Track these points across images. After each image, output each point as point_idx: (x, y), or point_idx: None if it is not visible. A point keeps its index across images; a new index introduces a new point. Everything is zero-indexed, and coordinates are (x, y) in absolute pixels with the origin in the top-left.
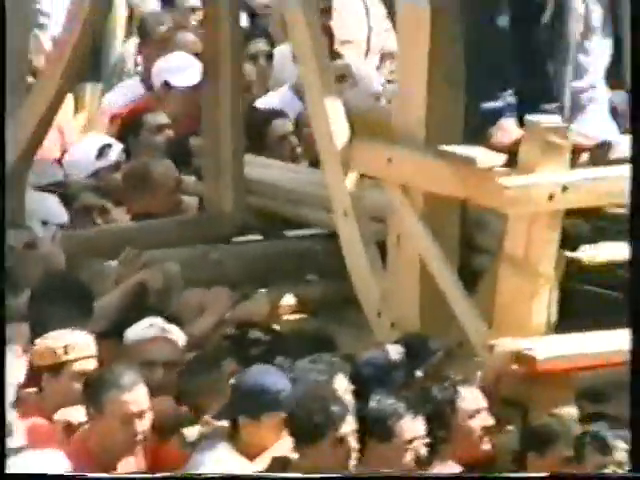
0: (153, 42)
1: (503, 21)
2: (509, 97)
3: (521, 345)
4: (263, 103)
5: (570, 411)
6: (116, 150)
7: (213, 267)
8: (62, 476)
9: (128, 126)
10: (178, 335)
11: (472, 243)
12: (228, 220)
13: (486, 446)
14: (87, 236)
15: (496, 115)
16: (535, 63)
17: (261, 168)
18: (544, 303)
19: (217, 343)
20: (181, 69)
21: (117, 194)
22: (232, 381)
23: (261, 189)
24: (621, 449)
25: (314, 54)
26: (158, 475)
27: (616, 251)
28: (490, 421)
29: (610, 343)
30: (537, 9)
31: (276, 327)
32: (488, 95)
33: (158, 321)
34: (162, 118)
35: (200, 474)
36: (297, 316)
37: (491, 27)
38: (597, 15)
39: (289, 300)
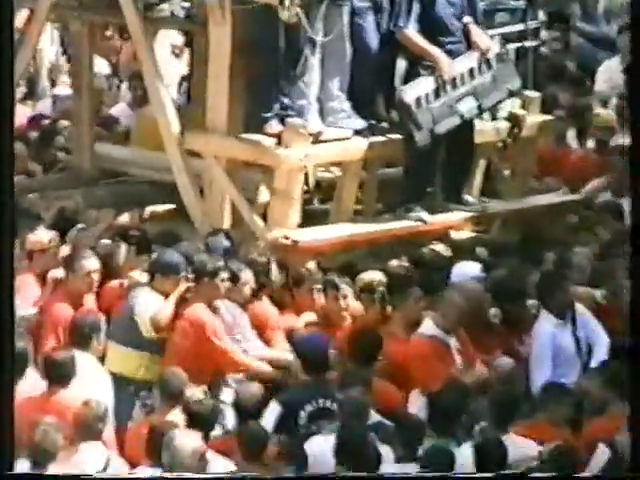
0: None
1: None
2: (277, 109)
3: (288, 234)
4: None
5: (312, 266)
6: None
7: (100, 199)
8: (62, 476)
9: None
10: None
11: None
12: (89, 173)
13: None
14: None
15: (269, 118)
16: (293, 90)
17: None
18: (296, 212)
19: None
20: None
21: None
22: (154, 256)
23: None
24: (344, 288)
25: (155, 71)
26: (158, 475)
27: None
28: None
29: (334, 232)
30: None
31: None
32: (266, 107)
33: None
34: None
35: (201, 475)
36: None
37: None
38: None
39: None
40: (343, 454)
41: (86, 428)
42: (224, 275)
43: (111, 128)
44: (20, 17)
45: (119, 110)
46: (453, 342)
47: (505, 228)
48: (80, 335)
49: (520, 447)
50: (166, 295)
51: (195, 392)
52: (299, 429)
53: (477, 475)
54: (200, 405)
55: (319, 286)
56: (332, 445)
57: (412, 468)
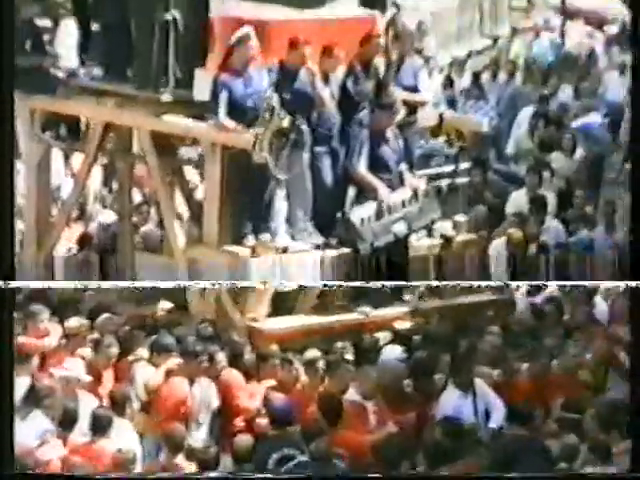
0: None
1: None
2: (251, 228)
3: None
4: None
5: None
6: None
7: (129, 295)
8: (62, 476)
9: None
10: None
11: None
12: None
13: None
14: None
15: (246, 234)
16: (266, 214)
17: None
18: (265, 306)
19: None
20: None
21: None
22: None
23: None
24: (296, 363)
25: (169, 202)
26: (158, 475)
27: None
28: None
29: (292, 322)
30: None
31: None
32: (244, 226)
33: None
34: None
35: (202, 475)
36: None
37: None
38: (283, 191)
39: None
40: None
41: (120, 469)
42: (203, 357)
43: (158, 242)
44: (75, 159)
45: (149, 229)
46: (370, 405)
47: (440, 320)
48: (117, 404)
49: None
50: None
51: (200, 441)
52: (269, 472)
53: (481, 475)
54: (204, 453)
55: (277, 362)
56: None
57: None
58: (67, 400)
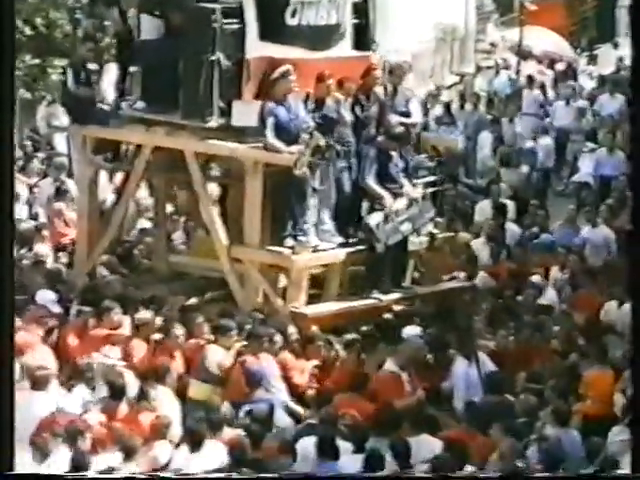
0: None
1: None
2: (290, 231)
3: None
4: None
5: (315, 329)
6: None
7: (175, 289)
8: (62, 476)
9: None
10: None
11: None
12: (166, 273)
13: None
14: None
15: (286, 237)
16: (300, 219)
17: None
18: (304, 295)
19: None
20: None
21: None
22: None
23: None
24: (336, 344)
25: (211, 210)
26: (158, 475)
27: None
28: None
29: (327, 308)
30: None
31: None
32: (283, 230)
33: None
34: None
35: (202, 475)
36: None
37: (287, 203)
38: (314, 199)
39: None
40: (321, 448)
41: (158, 432)
42: (264, 338)
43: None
44: (118, 178)
45: (178, 235)
46: (405, 375)
47: (424, 303)
48: (157, 374)
49: (426, 443)
50: (227, 348)
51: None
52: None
53: (482, 475)
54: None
55: (321, 343)
56: (314, 442)
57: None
58: (113, 376)
